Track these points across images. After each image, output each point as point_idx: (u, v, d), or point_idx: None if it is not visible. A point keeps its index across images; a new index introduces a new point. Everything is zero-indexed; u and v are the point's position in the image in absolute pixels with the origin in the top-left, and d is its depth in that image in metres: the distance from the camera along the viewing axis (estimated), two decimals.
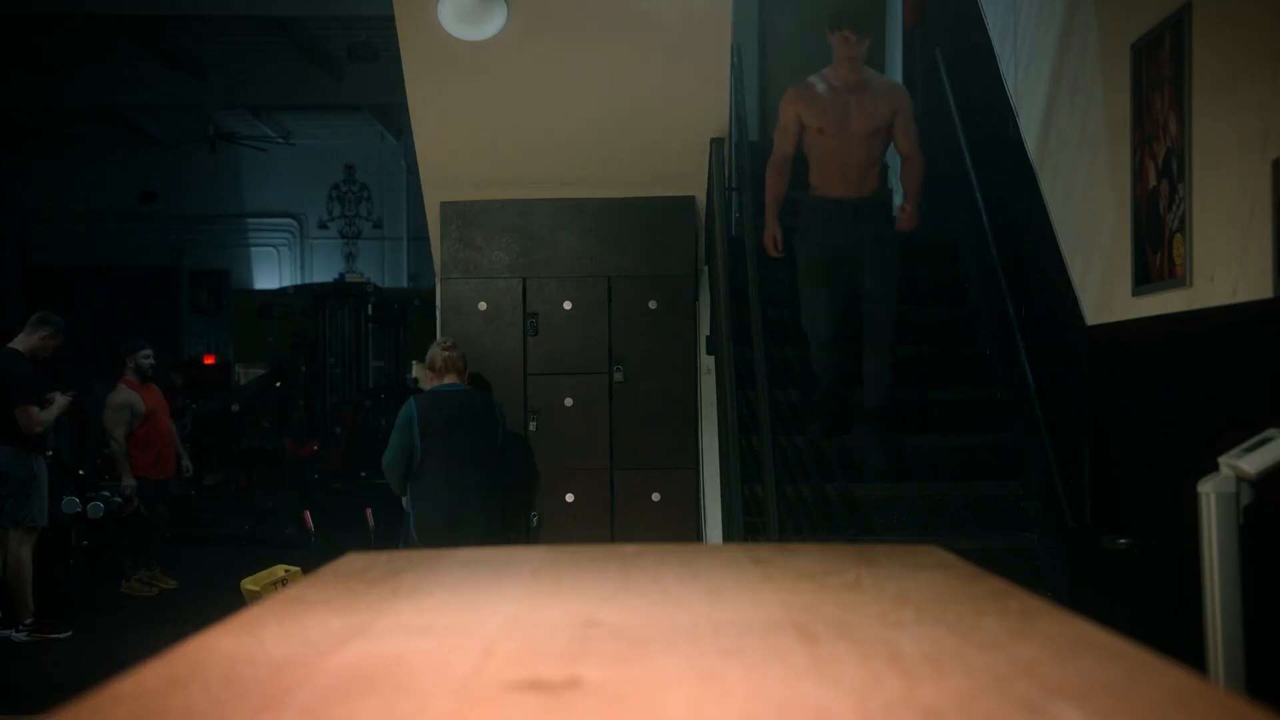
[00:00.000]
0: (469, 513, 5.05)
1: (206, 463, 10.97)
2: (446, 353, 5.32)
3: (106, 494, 7.79)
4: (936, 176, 7.13)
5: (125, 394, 7.73)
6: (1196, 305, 3.51)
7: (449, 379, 5.31)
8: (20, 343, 6.46)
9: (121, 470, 7.64)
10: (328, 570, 1.93)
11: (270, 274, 16.58)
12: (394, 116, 14.44)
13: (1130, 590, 3.97)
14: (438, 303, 6.14)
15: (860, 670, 1.14)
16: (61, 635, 6.48)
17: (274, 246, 16.59)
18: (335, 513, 10.55)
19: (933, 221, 7.03)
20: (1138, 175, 3.90)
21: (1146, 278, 3.85)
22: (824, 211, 5.28)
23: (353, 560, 2.07)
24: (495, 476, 5.25)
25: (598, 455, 5.93)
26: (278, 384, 13.52)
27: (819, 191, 5.32)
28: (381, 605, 1.56)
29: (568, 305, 6.00)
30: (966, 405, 5.70)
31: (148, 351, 7.92)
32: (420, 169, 6.02)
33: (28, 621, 6.44)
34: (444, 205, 6.06)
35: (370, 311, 13.93)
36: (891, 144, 5.37)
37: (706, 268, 6.10)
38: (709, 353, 5.96)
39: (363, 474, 12.05)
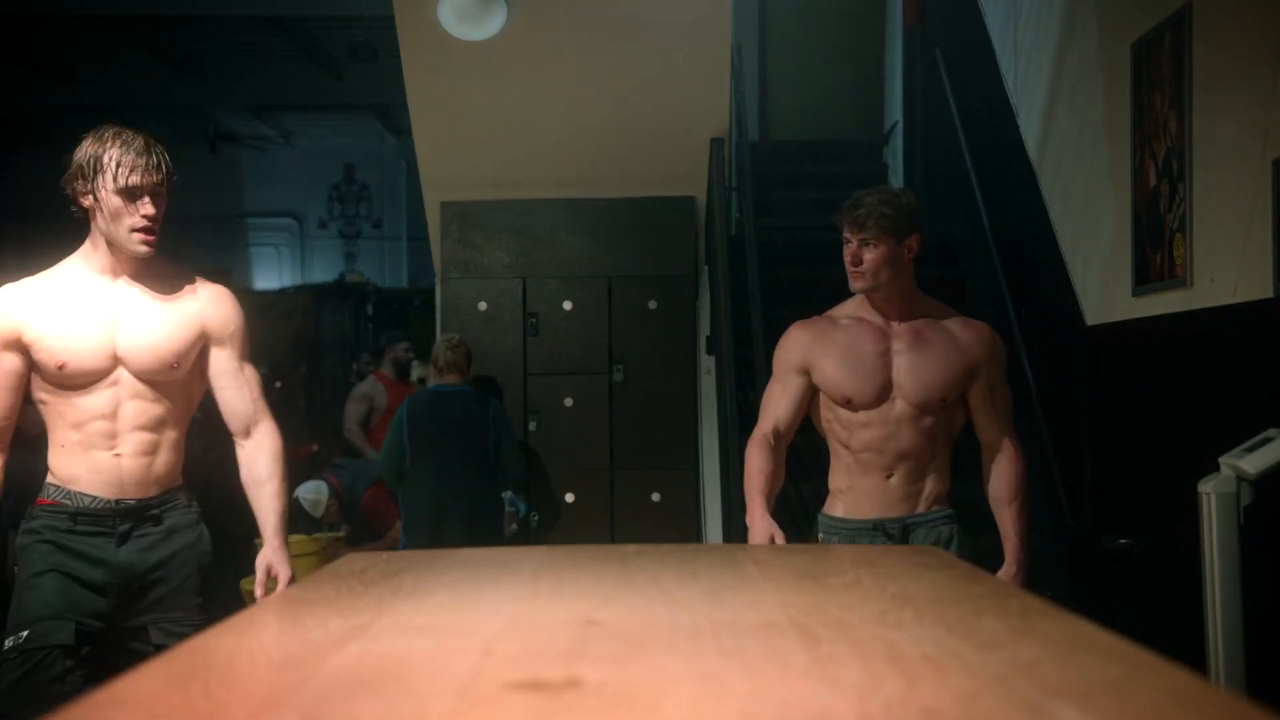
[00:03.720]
0: (452, 517, 5.00)
1: (206, 462, 10.94)
2: (449, 351, 5.29)
3: None
4: (937, 175, 7.14)
5: (369, 385, 7.36)
6: (1196, 305, 3.51)
7: (449, 378, 5.29)
8: None
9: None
10: (328, 570, 1.94)
11: (270, 274, 16.58)
12: (394, 116, 14.44)
13: (1130, 590, 3.97)
14: (438, 303, 6.14)
15: (860, 670, 1.14)
16: None
17: (274, 246, 16.59)
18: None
19: (933, 221, 7.03)
20: (1138, 175, 3.90)
21: (1147, 278, 3.85)
22: (854, 545, 2.95)
23: (353, 560, 2.07)
24: (484, 481, 5.19)
25: (598, 455, 5.92)
26: (277, 384, 13.52)
27: (841, 511, 3.03)
28: (381, 605, 1.56)
29: (568, 305, 6.00)
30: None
31: (407, 344, 7.52)
32: (420, 169, 6.02)
33: None
34: (444, 205, 6.05)
35: (370, 311, 13.91)
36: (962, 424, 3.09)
37: (706, 268, 6.10)
38: (709, 353, 5.96)
39: None
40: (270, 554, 2.77)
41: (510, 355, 5.98)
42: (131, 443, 2.69)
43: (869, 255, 2.91)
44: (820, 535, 3.06)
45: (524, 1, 5.06)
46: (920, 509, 2.97)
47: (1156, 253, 3.77)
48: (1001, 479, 3.02)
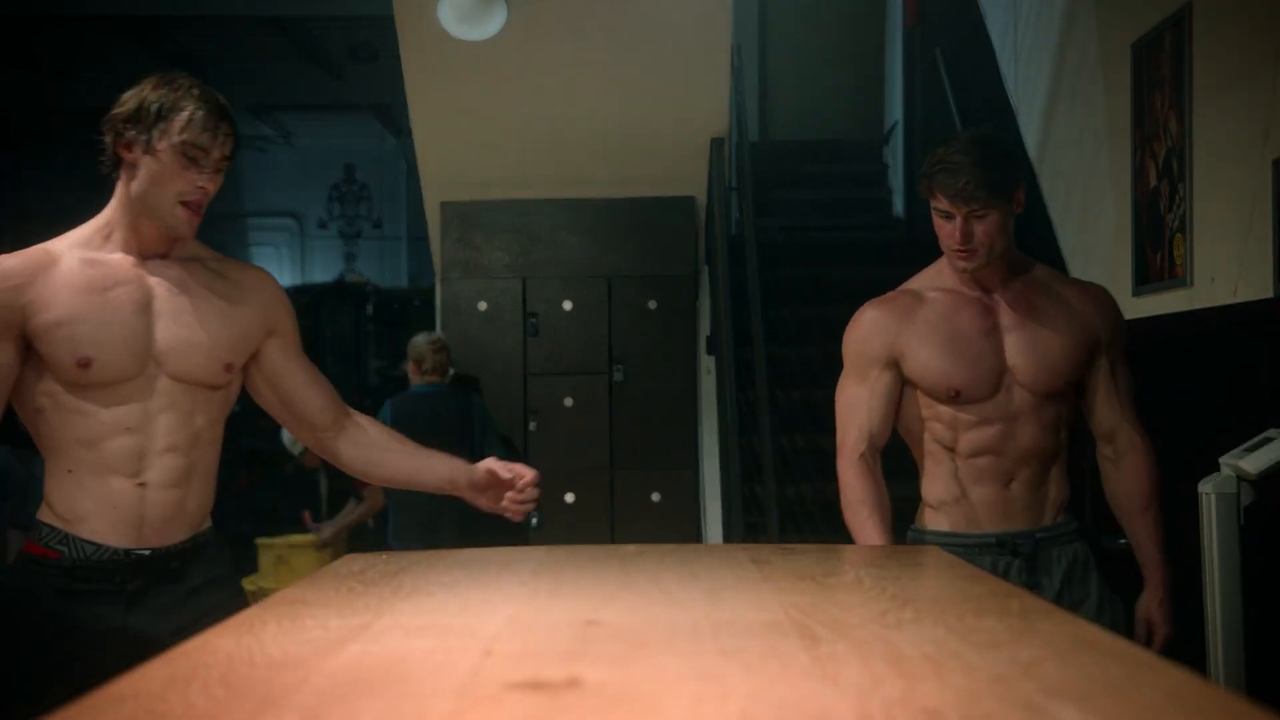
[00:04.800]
0: (446, 518, 4.99)
1: None
2: (435, 353, 5.29)
3: None
4: None
5: None
6: (1197, 305, 3.51)
7: (431, 378, 5.29)
8: None
9: None
10: (327, 570, 1.94)
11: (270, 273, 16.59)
12: (394, 116, 14.43)
13: (1130, 590, 3.96)
14: (437, 303, 6.15)
15: (860, 670, 1.14)
16: None
17: (274, 246, 16.59)
18: (334, 513, 10.53)
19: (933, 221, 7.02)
20: (1138, 175, 3.90)
21: (1147, 278, 3.85)
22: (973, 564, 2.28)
23: (352, 560, 2.07)
24: None
25: (598, 455, 5.93)
26: None
27: (948, 525, 2.46)
28: (381, 605, 1.56)
29: (568, 305, 6.00)
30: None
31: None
32: (420, 169, 6.02)
33: None
34: (444, 205, 6.06)
35: (370, 311, 13.92)
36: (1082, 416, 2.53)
37: (706, 268, 6.10)
38: (709, 353, 5.96)
39: None
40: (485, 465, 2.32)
41: (510, 355, 5.98)
42: (160, 469, 2.11)
43: (981, 228, 2.33)
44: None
45: (524, 1, 5.06)
46: (1047, 520, 2.43)
47: (1157, 253, 3.77)
48: (1130, 481, 2.48)
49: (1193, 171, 3.51)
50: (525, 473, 2.28)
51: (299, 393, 2.31)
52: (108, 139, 2.12)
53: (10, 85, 12.71)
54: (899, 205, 8.01)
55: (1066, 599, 2.40)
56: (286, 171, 15.97)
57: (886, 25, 8.67)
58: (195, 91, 2.11)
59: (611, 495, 5.92)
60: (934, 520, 2.46)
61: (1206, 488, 2.77)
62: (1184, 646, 2.49)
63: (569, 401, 5.94)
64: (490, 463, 2.31)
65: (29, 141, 14.71)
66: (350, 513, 6.37)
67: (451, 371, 5.46)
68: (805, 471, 5.40)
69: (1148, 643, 2.34)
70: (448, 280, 6.06)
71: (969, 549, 2.36)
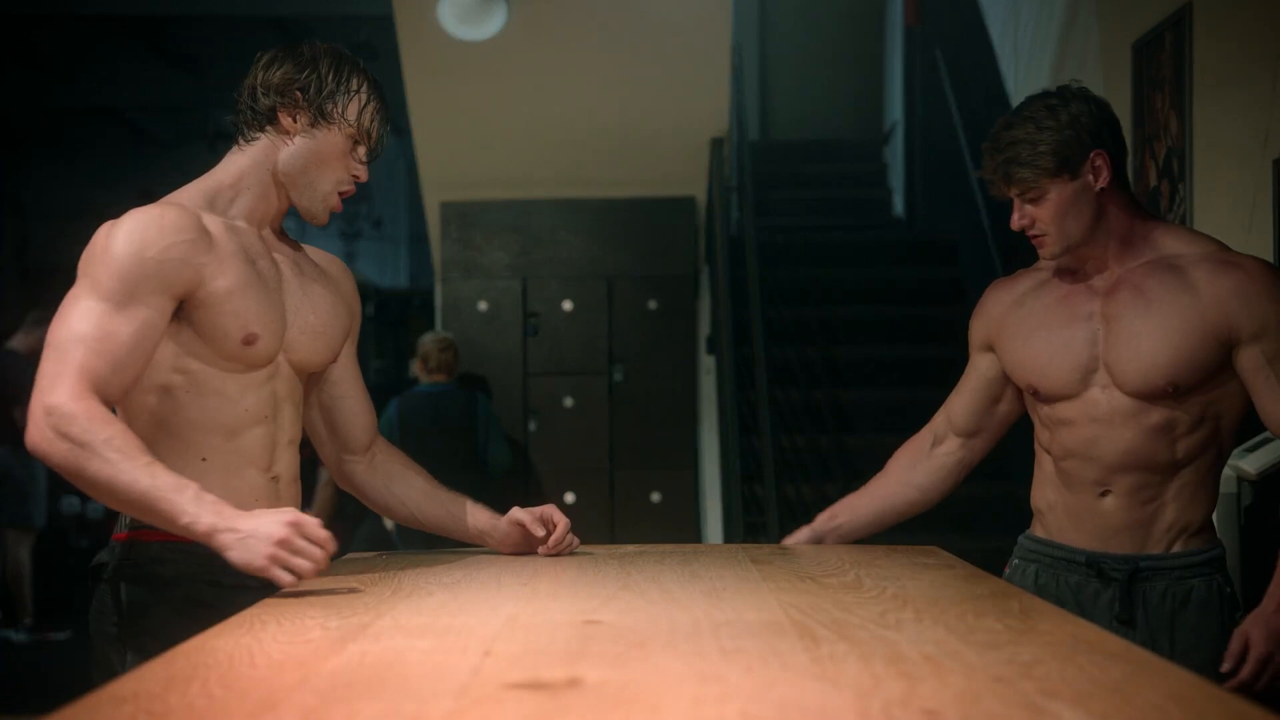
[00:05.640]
0: None
1: None
2: (441, 352, 5.31)
3: None
4: (937, 175, 7.14)
5: None
6: None
7: (437, 378, 5.31)
8: (18, 342, 6.44)
9: None
10: (327, 570, 1.93)
11: None
12: (394, 116, 14.40)
13: None
14: (437, 303, 6.15)
15: (860, 670, 1.14)
16: (61, 635, 6.47)
17: None
18: (334, 513, 10.54)
19: (933, 221, 7.03)
20: (1138, 175, 3.90)
21: None
22: (1059, 582, 2.16)
23: (352, 560, 2.07)
24: (480, 479, 5.22)
25: (598, 455, 5.93)
26: None
27: (1043, 532, 2.23)
28: (381, 605, 1.56)
29: (568, 305, 6.00)
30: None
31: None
32: (420, 169, 6.02)
33: (27, 622, 6.43)
34: (444, 205, 6.06)
35: (370, 311, 13.92)
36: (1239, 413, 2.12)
37: (707, 268, 6.10)
38: (709, 353, 5.96)
39: None
40: (497, 518, 2.13)
41: (510, 355, 5.98)
42: (286, 462, 1.94)
43: (1040, 211, 2.03)
44: (1014, 560, 2.24)
45: (524, 1, 5.07)
46: (1156, 547, 2.06)
47: None
48: None
49: (1193, 171, 3.51)
50: (557, 520, 2.08)
51: (347, 403, 2.08)
52: (266, 98, 1.89)
53: (11, 85, 12.72)
54: (899, 205, 8.01)
55: (1166, 645, 2.01)
56: None
57: (886, 25, 8.67)
58: (370, 79, 1.95)
59: (611, 495, 5.92)
60: (1035, 525, 2.23)
61: None
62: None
63: (569, 401, 5.94)
64: (519, 515, 2.08)
65: (30, 141, 14.72)
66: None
67: (459, 371, 5.48)
68: (805, 471, 5.40)
69: (1241, 659, 1.94)
70: (448, 280, 6.06)
71: (1056, 562, 2.12)
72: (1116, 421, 2.04)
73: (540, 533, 2.06)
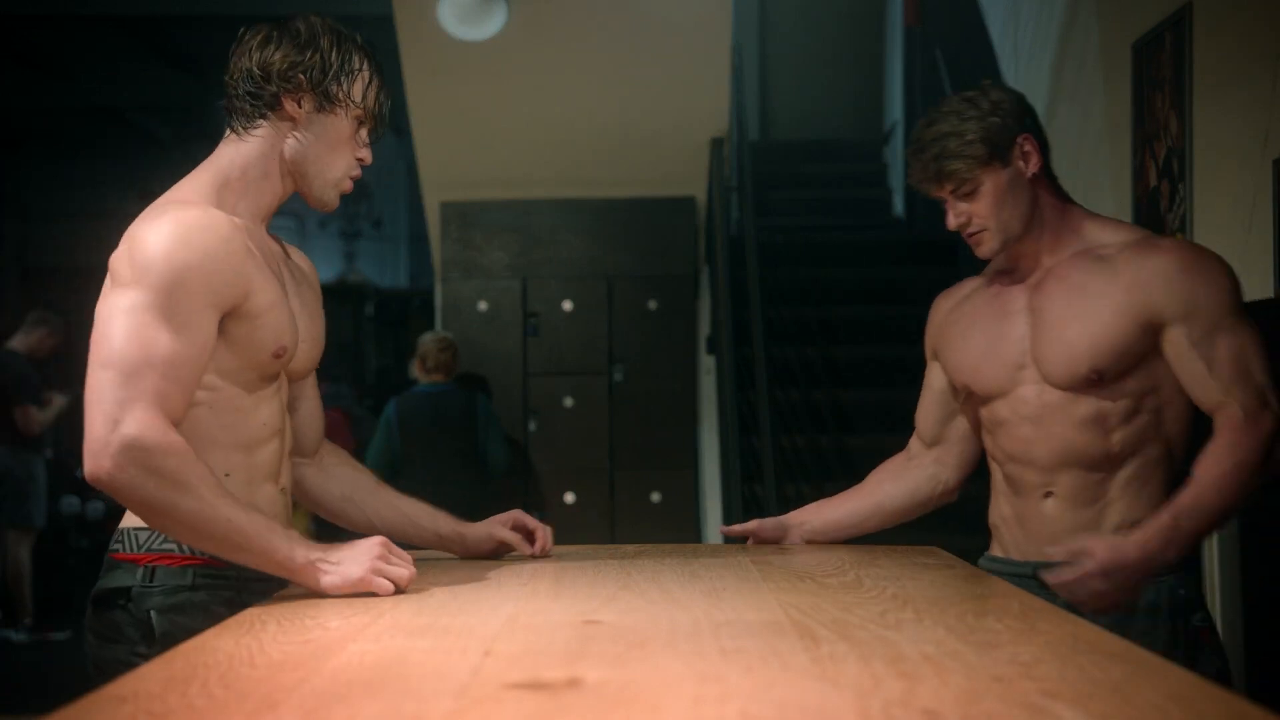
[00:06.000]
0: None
1: None
2: (440, 352, 5.31)
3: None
4: None
5: None
6: None
7: (436, 377, 5.31)
8: (18, 342, 6.44)
9: None
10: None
11: None
12: (394, 116, 14.39)
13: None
14: (437, 303, 6.15)
15: (860, 670, 1.14)
16: (61, 635, 6.47)
17: None
18: None
19: (933, 221, 7.03)
20: (1138, 175, 3.90)
21: None
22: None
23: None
24: (479, 479, 5.22)
25: (598, 455, 5.93)
26: None
27: (999, 550, 2.16)
28: (381, 605, 1.56)
29: (568, 305, 6.00)
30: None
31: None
32: (420, 169, 6.02)
33: (27, 622, 6.44)
34: (444, 205, 6.06)
35: (371, 311, 13.92)
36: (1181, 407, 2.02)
37: (707, 267, 6.10)
38: (709, 353, 5.96)
39: None
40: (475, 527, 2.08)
41: (510, 355, 5.98)
42: (288, 472, 1.89)
43: (976, 206, 1.97)
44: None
45: (524, 1, 5.07)
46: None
47: None
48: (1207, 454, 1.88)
49: (1193, 171, 3.51)
50: (530, 524, 2.06)
51: (305, 404, 1.99)
52: (269, 84, 1.79)
53: (11, 85, 12.72)
54: (899, 205, 8.01)
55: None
56: None
57: (886, 25, 8.67)
58: (371, 58, 1.87)
59: (611, 495, 5.92)
60: (992, 545, 2.15)
61: None
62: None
63: (569, 401, 5.94)
64: (503, 535, 2.05)
65: (30, 141, 14.72)
66: None
67: (458, 371, 5.47)
68: (805, 471, 5.40)
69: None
70: (448, 280, 6.06)
71: (1011, 579, 1.90)
72: (1047, 418, 1.99)
73: (529, 549, 2.05)
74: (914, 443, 2.27)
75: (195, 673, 1.17)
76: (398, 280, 16.10)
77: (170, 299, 1.64)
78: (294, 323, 1.81)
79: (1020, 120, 1.99)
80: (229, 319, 1.72)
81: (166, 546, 1.74)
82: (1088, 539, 1.86)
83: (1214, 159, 3.42)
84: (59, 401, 6.41)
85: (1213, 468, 1.85)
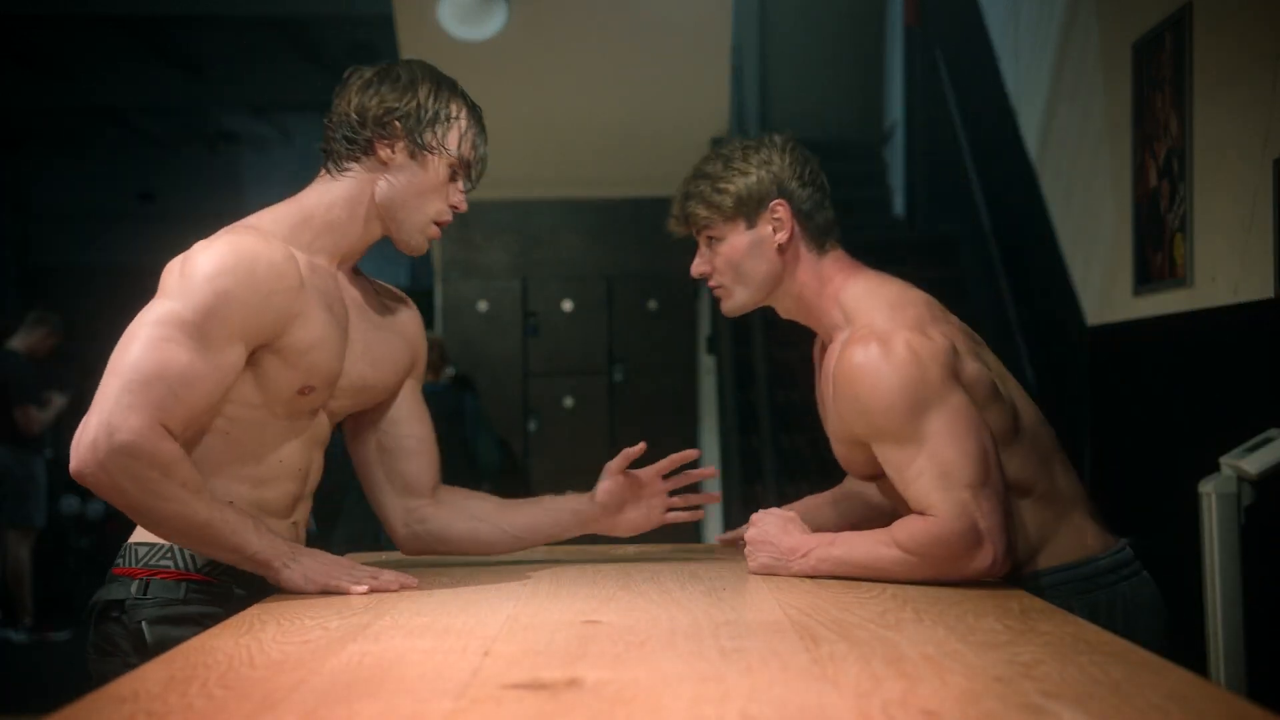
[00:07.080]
0: None
1: None
2: (429, 354, 5.31)
3: None
4: (937, 175, 7.14)
5: None
6: (1197, 305, 3.51)
7: (426, 378, 5.32)
8: (18, 342, 6.44)
9: None
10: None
11: None
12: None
13: None
14: (437, 303, 6.15)
15: (860, 670, 1.14)
16: (61, 635, 6.47)
17: None
18: (335, 513, 10.55)
19: (933, 221, 7.03)
20: (1138, 175, 3.90)
21: (1147, 278, 3.85)
22: None
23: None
24: (465, 479, 5.24)
25: (598, 455, 5.91)
26: None
27: None
28: (381, 605, 1.56)
29: (568, 305, 6.00)
30: None
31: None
32: None
33: (27, 622, 6.43)
34: None
35: None
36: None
37: None
38: (709, 353, 5.96)
39: None
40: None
41: (510, 355, 5.98)
42: (304, 509, 1.87)
43: (716, 260, 1.96)
44: None
45: (524, 1, 5.07)
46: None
47: (1157, 253, 3.77)
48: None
49: (1193, 171, 3.51)
50: (680, 457, 2.02)
51: (410, 442, 1.97)
52: (364, 129, 1.79)
53: (11, 85, 12.73)
54: (899, 205, 8.01)
55: None
56: (286, 171, 15.95)
57: (886, 25, 8.66)
58: (469, 104, 1.91)
59: None
60: None
61: (1207, 488, 2.77)
62: (1184, 646, 2.49)
63: (569, 401, 5.94)
64: (613, 465, 2.07)
65: (30, 141, 14.73)
66: None
67: (450, 371, 5.46)
68: (805, 471, 5.40)
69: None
70: (448, 280, 6.06)
71: None
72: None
73: (644, 476, 2.12)
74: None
75: (195, 673, 1.17)
76: (398, 280, 16.05)
77: (202, 320, 1.64)
78: (337, 363, 1.78)
79: (781, 186, 1.91)
80: (262, 350, 1.71)
81: (164, 562, 1.73)
82: (764, 514, 1.90)
83: (1214, 159, 3.42)
84: (59, 401, 6.41)
85: (885, 535, 1.76)
